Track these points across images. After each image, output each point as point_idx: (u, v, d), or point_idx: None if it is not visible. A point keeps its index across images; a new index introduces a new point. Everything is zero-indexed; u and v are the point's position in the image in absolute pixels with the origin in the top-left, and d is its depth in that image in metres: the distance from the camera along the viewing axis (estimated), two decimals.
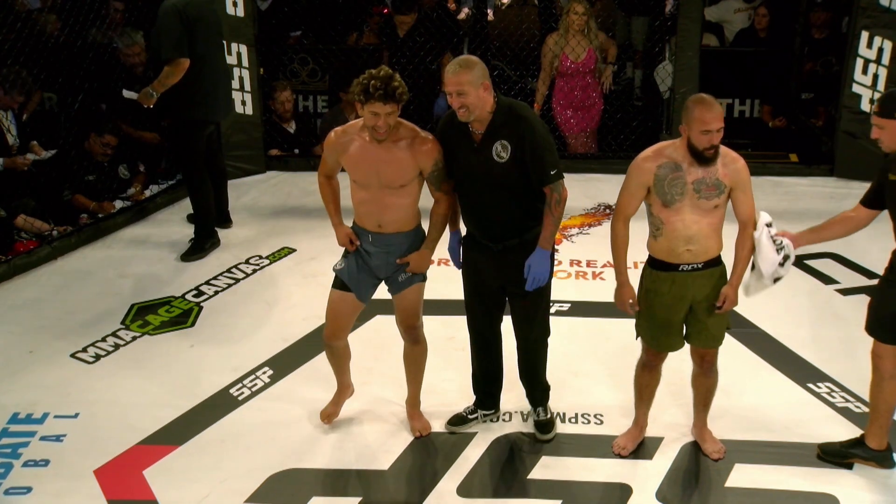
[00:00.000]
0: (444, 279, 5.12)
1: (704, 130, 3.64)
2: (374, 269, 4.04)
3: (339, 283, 4.06)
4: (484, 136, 3.87)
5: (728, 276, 3.88)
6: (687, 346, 4.00)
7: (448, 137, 3.95)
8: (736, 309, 5.12)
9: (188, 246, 6.03)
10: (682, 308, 3.87)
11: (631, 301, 3.90)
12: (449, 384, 4.54)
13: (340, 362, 4.24)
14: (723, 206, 3.79)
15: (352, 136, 3.92)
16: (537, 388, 4.28)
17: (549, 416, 4.30)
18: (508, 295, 4.11)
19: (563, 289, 5.39)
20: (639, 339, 4.01)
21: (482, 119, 3.85)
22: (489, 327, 4.21)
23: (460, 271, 4.18)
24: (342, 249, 4.12)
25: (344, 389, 4.32)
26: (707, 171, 3.72)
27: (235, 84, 6.82)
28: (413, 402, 4.32)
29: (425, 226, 4.08)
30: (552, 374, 4.30)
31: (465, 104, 3.78)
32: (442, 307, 4.96)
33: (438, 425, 4.31)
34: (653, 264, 3.88)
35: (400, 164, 3.88)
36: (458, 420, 4.33)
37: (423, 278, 4.11)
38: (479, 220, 3.99)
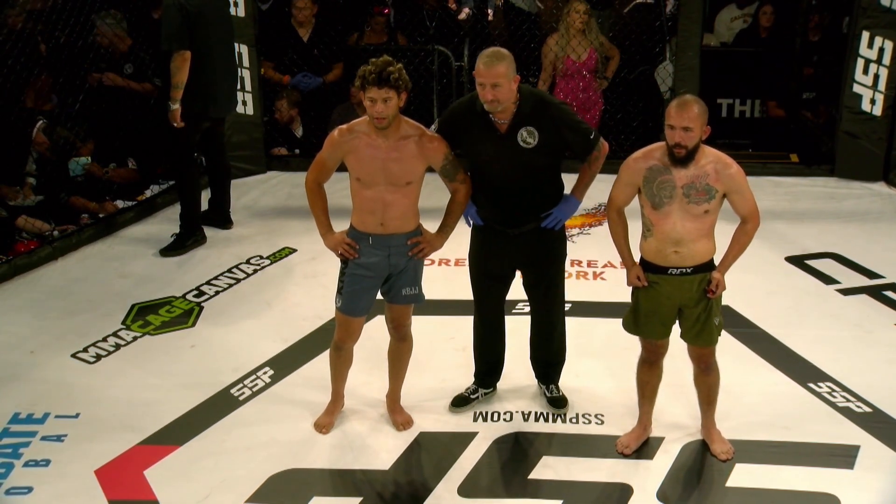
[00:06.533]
0: (444, 279, 5.14)
1: (669, 125, 3.71)
2: (375, 275, 4.03)
3: (344, 309, 4.09)
4: (510, 125, 3.93)
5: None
6: (685, 346, 4.02)
7: (467, 125, 3.99)
8: (737, 309, 5.19)
9: (170, 240, 6.03)
10: (669, 306, 3.91)
11: (639, 276, 3.92)
12: (449, 384, 4.54)
13: (344, 368, 4.25)
14: (714, 212, 3.81)
15: (357, 134, 3.93)
16: (556, 364, 4.35)
17: (561, 392, 4.36)
18: (526, 275, 4.17)
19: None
20: (632, 334, 4.04)
21: (507, 109, 3.89)
22: (495, 310, 4.29)
23: (466, 262, 4.25)
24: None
25: (338, 399, 4.33)
26: (697, 175, 3.75)
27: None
28: (394, 396, 4.34)
29: (428, 225, 4.09)
30: None
31: (496, 97, 3.83)
32: (442, 307, 4.96)
33: (439, 424, 4.31)
34: (643, 265, 3.92)
35: (407, 160, 3.91)
36: (460, 401, 4.37)
37: (422, 301, 4.14)
38: (499, 207, 4.04)
